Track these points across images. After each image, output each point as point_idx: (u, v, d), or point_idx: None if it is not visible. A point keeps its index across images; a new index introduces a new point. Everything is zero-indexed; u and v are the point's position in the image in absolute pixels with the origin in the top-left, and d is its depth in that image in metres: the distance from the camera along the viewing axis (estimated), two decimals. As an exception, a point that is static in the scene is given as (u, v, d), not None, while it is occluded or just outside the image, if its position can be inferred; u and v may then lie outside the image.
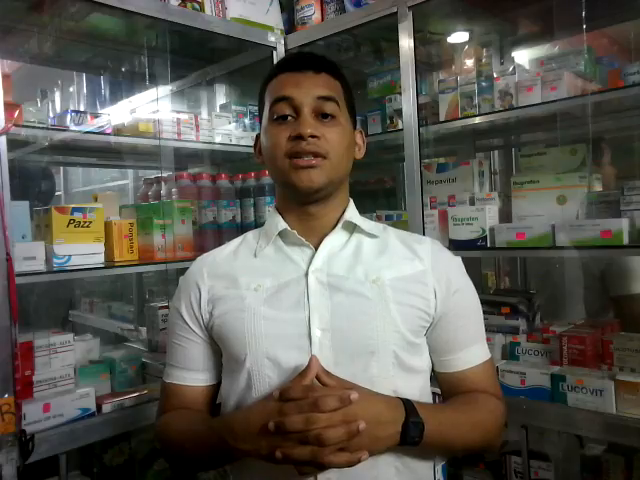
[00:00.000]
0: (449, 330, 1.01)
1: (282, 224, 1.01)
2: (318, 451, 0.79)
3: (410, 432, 0.86)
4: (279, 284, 0.98)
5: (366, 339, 0.94)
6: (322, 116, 0.97)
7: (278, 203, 1.07)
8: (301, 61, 1.01)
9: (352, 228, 1.03)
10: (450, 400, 1.02)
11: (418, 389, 0.98)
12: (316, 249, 1.00)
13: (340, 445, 0.80)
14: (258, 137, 1.06)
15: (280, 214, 1.03)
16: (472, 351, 1.02)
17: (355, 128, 1.05)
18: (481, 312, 1.07)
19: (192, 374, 1.05)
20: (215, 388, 1.07)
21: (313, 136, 0.94)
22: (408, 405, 0.88)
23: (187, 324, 1.04)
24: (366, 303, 0.95)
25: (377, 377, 0.93)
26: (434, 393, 1.06)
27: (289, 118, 0.97)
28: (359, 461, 0.81)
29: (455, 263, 1.05)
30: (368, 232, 1.03)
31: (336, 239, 1.01)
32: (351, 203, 1.06)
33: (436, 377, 1.05)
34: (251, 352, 0.95)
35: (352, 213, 1.04)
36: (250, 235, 1.09)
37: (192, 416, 1.02)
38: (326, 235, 1.01)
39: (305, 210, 1.00)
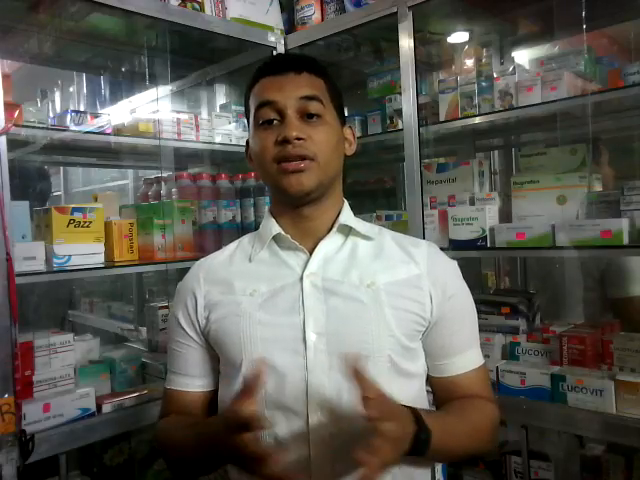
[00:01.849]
0: (444, 335, 1.00)
1: (276, 228, 1.01)
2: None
3: (420, 440, 0.83)
4: (274, 289, 0.98)
5: (361, 343, 0.94)
6: (307, 116, 0.96)
7: (272, 206, 1.06)
8: (281, 63, 1.01)
9: (347, 231, 1.02)
10: (448, 406, 1.00)
11: (413, 394, 0.98)
12: (311, 253, 0.99)
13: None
14: (248, 143, 1.05)
15: (274, 217, 1.03)
16: (467, 356, 1.02)
17: (344, 124, 1.04)
18: (476, 317, 1.07)
19: (190, 380, 1.05)
20: (213, 394, 1.06)
21: (299, 138, 0.93)
22: (415, 413, 0.85)
23: (184, 330, 1.03)
24: (361, 307, 0.95)
25: None
26: (427, 392, 1.05)
27: (274, 122, 0.96)
28: None
29: (451, 267, 1.05)
30: (364, 235, 1.03)
31: (331, 243, 1.01)
32: (346, 204, 1.05)
33: (430, 381, 1.04)
34: (246, 357, 0.95)
35: (347, 216, 1.03)
36: (246, 239, 1.09)
37: (188, 419, 1.02)
38: (321, 238, 1.00)
39: (298, 212, 1.00)
